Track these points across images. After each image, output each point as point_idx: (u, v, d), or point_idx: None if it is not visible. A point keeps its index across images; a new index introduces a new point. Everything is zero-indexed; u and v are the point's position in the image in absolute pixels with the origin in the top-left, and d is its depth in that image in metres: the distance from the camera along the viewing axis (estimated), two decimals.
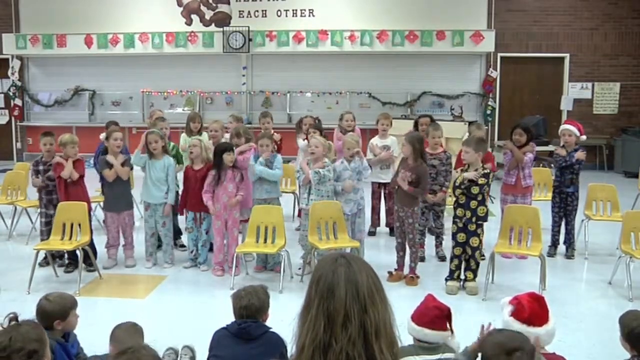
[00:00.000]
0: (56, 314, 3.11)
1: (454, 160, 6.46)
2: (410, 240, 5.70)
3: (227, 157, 5.78)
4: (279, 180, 6.21)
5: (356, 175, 5.85)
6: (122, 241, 6.28)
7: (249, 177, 6.00)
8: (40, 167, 6.12)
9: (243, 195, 5.86)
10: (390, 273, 5.75)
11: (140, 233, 6.47)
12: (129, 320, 3.24)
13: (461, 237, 5.41)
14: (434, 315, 2.79)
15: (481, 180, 5.28)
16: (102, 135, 6.56)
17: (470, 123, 8.17)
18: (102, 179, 6.20)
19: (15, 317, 2.41)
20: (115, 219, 6.18)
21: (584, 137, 6.50)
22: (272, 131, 7.37)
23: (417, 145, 5.62)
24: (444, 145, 6.74)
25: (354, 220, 5.89)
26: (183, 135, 7.09)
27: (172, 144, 6.76)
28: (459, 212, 5.41)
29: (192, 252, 6.16)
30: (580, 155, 6.27)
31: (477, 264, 5.42)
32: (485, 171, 5.34)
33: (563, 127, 6.56)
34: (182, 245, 6.64)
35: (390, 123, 7.12)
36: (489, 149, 6.85)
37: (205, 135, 6.85)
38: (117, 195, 6.14)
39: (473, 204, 5.33)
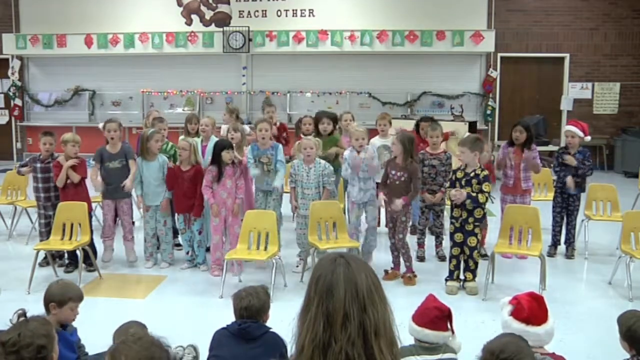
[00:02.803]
0: (55, 297, 3.19)
1: (454, 161, 6.45)
2: (399, 240, 5.66)
3: (226, 155, 5.76)
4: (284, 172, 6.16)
5: (365, 167, 5.79)
6: (121, 231, 6.24)
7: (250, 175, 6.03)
8: (38, 165, 6.10)
9: (242, 198, 5.86)
10: (386, 272, 5.75)
11: (140, 233, 6.47)
12: (131, 320, 3.22)
13: (458, 237, 5.40)
14: (435, 316, 2.79)
15: (486, 187, 5.27)
16: (100, 125, 6.54)
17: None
18: (102, 168, 6.10)
19: (23, 313, 2.45)
20: (111, 207, 6.14)
21: (588, 138, 6.44)
22: (276, 120, 7.43)
23: (408, 145, 5.59)
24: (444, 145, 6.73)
25: (365, 209, 5.86)
26: (181, 138, 7.06)
27: (170, 143, 6.75)
28: (456, 212, 5.41)
29: (187, 253, 6.16)
30: (570, 160, 6.21)
31: (476, 264, 5.40)
32: (484, 173, 5.33)
33: (566, 128, 6.53)
34: (177, 244, 6.63)
35: (388, 122, 7.11)
36: (489, 162, 6.79)
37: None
38: (114, 183, 6.06)
39: (469, 204, 5.32)
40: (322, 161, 5.97)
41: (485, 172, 5.35)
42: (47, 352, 2.28)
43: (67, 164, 5.86)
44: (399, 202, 5.54)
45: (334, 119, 6.86)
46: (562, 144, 6.49)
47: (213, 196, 5.78)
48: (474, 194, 5.25)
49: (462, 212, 5.37)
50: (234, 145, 6.03)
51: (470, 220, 5.33)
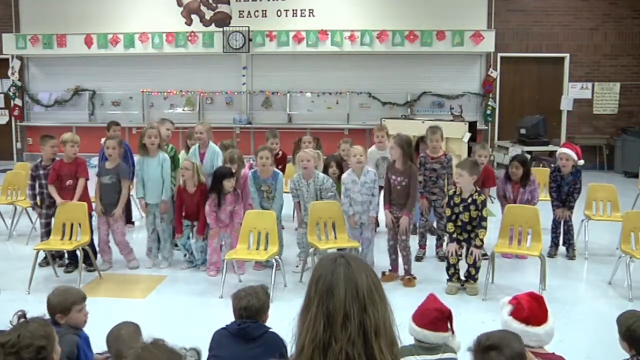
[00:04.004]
0: (56, 307, 3.13)
1: (455, 162, 6.42)
2: (402, 242, 5.62)
3: (227, 184, 5.75)
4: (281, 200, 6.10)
5: (365, 190, 5.73)
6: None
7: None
8: (41, 172, 6.10)
9: (240, 222, 5.78)
10: (383, 273, 5.71)
11: (141, 233, 6.47)
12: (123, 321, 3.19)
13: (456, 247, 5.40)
14: (435, 317, 2.79)
15: (485, 212, 5.30)
16: (103, 140, 6.54)
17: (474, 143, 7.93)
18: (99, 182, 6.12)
19: (23, 315, 2.45)
20: (104, 221, 6.05)
21: (581, 162, 6.42)
22: (279, 149, 7.33)
23: (406, 147, 5.55)
24: (444, 147, 6.71)
25: (370, 200, 5.76)
26: (182, 152, 7.03)
27: (170, 145, 6.72)
28: (455, 232, 5.40)
29: (185, 255, 6.15)
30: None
31: (477, 271, 5.38)
32: (481, 198, 5.31)
33: (561, 150, 6.49)
34: (177, 245, 6.61)
35: (385, 134, 7.02)
36: (489, 162, 6.77)
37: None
38: (104, 198, 6.02)
39: (469, 227, 5.33)
40: (321, 174, 5.93)
41: (482, 197, 5.32)
42: (47, 352, 2.28)
43: (75, 200, 5.89)
44: (403, 225, 5.53)
45: (341, 166, 6.57)
46: (557, 164, 6.46)
47: (216, 220, 5.81)
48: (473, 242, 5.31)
49: (462, 233, 5.38)
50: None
51: (472, 235, 5.34)
